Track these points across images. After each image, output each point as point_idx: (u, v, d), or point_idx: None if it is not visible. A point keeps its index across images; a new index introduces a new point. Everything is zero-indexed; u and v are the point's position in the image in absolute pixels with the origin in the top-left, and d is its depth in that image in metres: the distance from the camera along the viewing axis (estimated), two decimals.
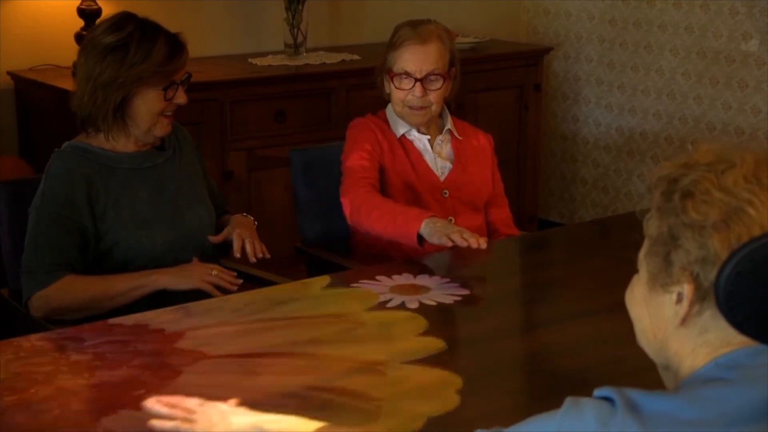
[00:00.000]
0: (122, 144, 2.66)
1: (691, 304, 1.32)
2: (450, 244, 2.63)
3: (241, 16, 4.52)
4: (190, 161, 2.82)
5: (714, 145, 1.37)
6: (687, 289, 1.32)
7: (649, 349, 1.43)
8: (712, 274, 1.28)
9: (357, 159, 2.93)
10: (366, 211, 2.81)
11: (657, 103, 4.90)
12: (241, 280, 2.57)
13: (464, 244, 2.62)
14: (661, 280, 1.35)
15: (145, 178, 2.68)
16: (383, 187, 2.95)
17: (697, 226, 1.30)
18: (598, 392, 1.30)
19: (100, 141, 2.66)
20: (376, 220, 2.79)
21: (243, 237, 2.70)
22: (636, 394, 1.28)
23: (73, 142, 2.68)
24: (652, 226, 1.37)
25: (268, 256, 2.71)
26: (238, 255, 2.71)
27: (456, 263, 2.73)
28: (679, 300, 1.33)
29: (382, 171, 2.96)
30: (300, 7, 4.37)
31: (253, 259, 2.68)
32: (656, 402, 1.28)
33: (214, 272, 2.55)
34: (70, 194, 2.59)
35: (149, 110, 2.60)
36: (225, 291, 2.52)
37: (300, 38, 4.42)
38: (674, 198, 1.33)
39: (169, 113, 2.64)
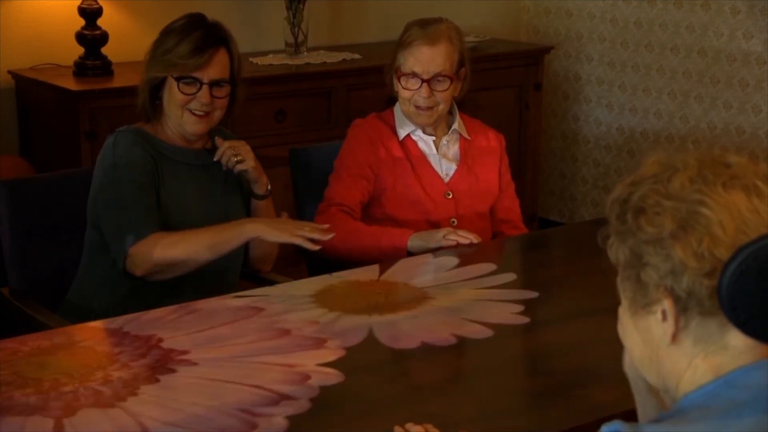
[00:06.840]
0: (170, 137, 2.72)
1: (676, 319, 1.30)
2: (453, 243, 2.74)
3: (242, 15, 4.52)
4: None
5: (659, 155, 1.35)
6: (667, 304, 1.30)
7: (649, 375, 1.40)
8: (684, 284, 1.27)
9: (342, 187, 2.93)
10: (339, 239, 2.70)
11: (658, 103, 4.90)
12: (332, 234, 2.53)
13: (465, 240, 2.74)
14: (641, 302, 1.33)
15: (194, 175, 2.73)
16: (382, 194, 2.96)
17: (657, 240, 1.29)
18: (606, 428, 1.27)
19: (155, 131, 2.72)
20: (355, 245, 2.81)
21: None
22: (647, 427, 1.26)
23: (131, 126, 2.73)
24: (616, 252, 1.36)
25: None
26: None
27: (457, 263, 2.72)
28: (665, 318, 1.31)
29: (380, 180, 2.96)
30: (301, 6, 4.37)
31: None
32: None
33: (307, 228, 2.52)
34: (142, 164, 2.63)
35: (171, 100, 2.67)
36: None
37: (301, 37, 4.41)
38: (627, 218, 1.32)
39: (198, 112, 2.67)
